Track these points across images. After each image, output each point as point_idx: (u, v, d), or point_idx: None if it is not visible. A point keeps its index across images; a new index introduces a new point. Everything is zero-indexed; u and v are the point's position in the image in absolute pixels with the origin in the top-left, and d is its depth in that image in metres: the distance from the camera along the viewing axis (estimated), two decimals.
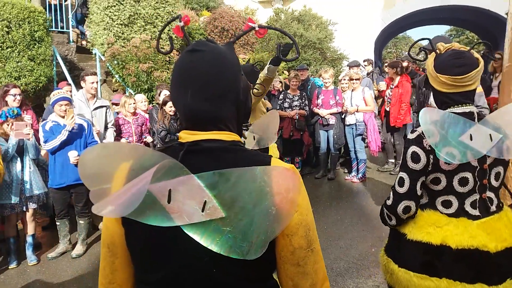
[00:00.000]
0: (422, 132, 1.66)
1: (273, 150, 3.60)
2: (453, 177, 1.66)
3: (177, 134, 3.41)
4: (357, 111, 6.49)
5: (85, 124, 4.34)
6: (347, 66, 8.98)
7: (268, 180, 0.88)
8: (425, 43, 2.25)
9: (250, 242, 0.85)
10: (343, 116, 6.69)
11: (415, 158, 1.68)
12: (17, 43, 6.91)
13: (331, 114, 6.59)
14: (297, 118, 6.61)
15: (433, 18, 17.79)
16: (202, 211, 0.86)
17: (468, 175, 1.66)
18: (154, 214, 0.88)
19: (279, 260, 0.96)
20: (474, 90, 1.70)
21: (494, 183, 1.71)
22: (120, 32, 8.34)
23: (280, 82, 7.43)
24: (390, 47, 38.97)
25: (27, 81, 6.96)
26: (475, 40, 27.32)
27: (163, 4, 8.80)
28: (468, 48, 1.75)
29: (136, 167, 0.92)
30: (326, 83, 6.76)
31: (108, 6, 8.23)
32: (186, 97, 0.97)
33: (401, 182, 1.72)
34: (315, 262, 0.97)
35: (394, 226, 1.82)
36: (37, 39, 7.19)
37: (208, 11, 12.95)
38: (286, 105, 6.75)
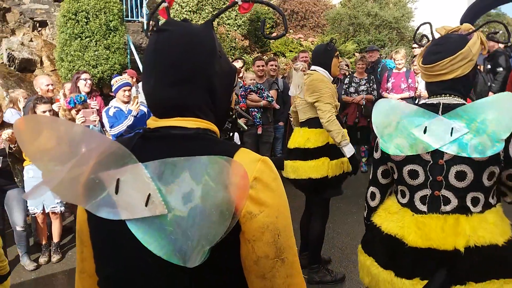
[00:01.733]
0: None
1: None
2: (402, 168, 1.60)
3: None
4: None
5: (146, 111, 4.47)
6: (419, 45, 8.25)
7: (213, 173, 0.74)
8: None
9: (191, 245, 0.72)
10: (416, 102, 6.16)
11: (376, 147, 1.73)
12: (95, 32, 7.34)
13: (402, 98, 6.10)
14: (363, 103, 6.22)
15: None
16: (146, 205, 0.74)
17: (418, 168, 1.57)
18: (102, 204, 0.79)
19: (244, 270, 0.81)
20: (457, 78, 1.56)
21: (455, 182, 1.50)
22: (189, 18, 8.48)
23: (347, 65, 7.04)
24: (483, 27, 35.57)
25: (103, 69, 7.38)
26: None
27: None
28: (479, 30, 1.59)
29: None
30: (398, 64, 6.27)
31: None
32: (149, 83, 0.87)
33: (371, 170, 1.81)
34: (288, 276, 0.81)
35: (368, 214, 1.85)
36: (112, 28, 7.57)
37: None
38: (352, 89, 6.39)
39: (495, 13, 33.74)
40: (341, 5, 11.92)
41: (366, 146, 6.56)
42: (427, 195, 1.56)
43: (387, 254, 1.61)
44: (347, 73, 6.85)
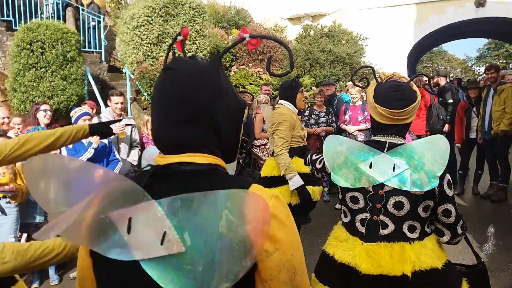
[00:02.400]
0: None
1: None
2: (345, 194, 1.77)
3: None
4: None
5: (106, 142, 4.35)
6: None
7: (233, 207, 0.73)
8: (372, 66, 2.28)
9: (212, 284, 0.70)
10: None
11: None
12: (51, 63, 7.15)
13: (359, 130, 6.36)
14: (323, 135, 6.42)
15: (469, 31, 17.22)
16: (161, 243, 0.73)
17: (359, 195, 1.73)
18: (112, 245, 0.75)
19: None
20: (409, 123, 1.76)
21: (393, 210, 1.67)
22: (149, 51, 8.50)
23: (306, 97, 7.27)
24: (425, 62, 38.05)
25: (59, 100, 7.15)
26: None
27: (191, 23, 8.92)
28: (408, 79, 1.84)
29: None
30: (353, 98, 6.55)
31: (137, 26, 8.41)
32: (155, 119, 0.88)
33: None
34: None
35: None
36: (69, 59, 7.41)
37: (237, 29, 13.08)
38: (312, 121, 6.58)
39: (437, 51, 36.37)
40: (297, 41, 12.41)
41: (327, 176, 6.70)
42: (366, 218, 1.72)
43: (342, 282, 1.71)
44: (306, 106, 7.06)
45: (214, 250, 0.71)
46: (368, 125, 6.39)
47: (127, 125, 5.09)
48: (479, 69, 36.95)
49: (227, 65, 10.89)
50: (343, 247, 1.75)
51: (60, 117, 7.26)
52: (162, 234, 0.73)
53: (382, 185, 1.67)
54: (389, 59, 12.27)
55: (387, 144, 1.71)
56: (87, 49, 9.32)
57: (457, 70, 38.50)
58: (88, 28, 9.68)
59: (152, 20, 8.50)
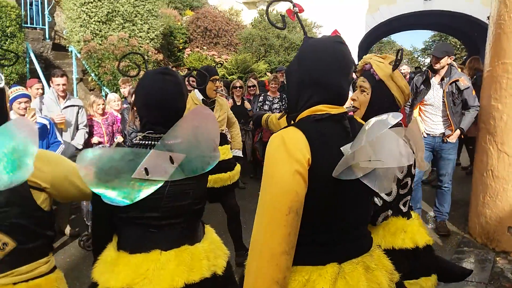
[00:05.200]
0: None
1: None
2: None
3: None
4: None
5: (47, 123, 4.11)
6: None
7: None
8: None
9: None
10: None
11: None
12: None
13: None
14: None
15: (417, 23, 17.94)
16: None
17: None
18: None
19: None
20: None
21: None
22: (97, 29, 8.09)
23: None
24: (375, 51, 39.28)
25: None
26: (458, 46, 27.70)
27: (142, 1, 8.58)
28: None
29: None
30: None
31: (85, 3, 7.95)
32: None
33: None
34: None
35: None
36: (8, 34, 6.91)
37: (191, 10, 12.75)
38: (266, 107, 6.60)
39: (386, 41, 37.57)
40: (252, 26, 12.33)
41: None
42: None
43: None
44: (256, 92, 7.04)
45: None
46: None
47: (73, 106, 4.83)
48: (424, 60, 38.74)
49: (180, 47, 10.62)
50: None
51: None
52: None
53: None
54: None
55: None
56: (29, 25, 8.71)
57: (404, 61, 40.03)
58: (31, 3, 9.03)
59: None
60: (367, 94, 1.74)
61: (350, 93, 1.88)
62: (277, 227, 1.06)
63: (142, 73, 1.67)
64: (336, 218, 1.19)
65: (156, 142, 1.49)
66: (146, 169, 1.41)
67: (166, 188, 1.46)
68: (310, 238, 1.17)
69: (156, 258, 1.44)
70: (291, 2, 1.37)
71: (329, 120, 1.20)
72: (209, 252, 1.57)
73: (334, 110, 1.22)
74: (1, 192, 1.23)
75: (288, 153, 1.11)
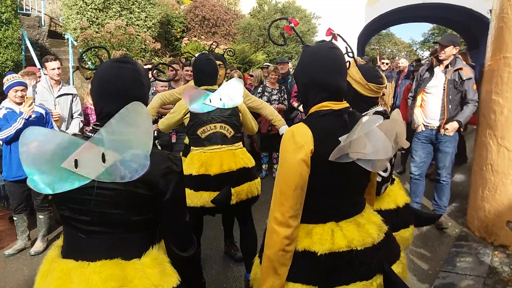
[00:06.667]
0: None
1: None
2: None
3: None
4: None
5: (43, 113, 4.05)
6: None
7: None
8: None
9: None
10: None
11: None
12: None
13: None
14: None
15: (416, 15, 17.82)
16: None
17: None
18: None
19: None
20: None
21: None
22: (94, 17, 7.98)
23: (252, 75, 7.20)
24: (373, 44, 39.11)
25: None
26: None
27: None
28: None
29: None
30: None
31: None
32: None
33: None
34: None
35: None
36: (4, 21, 6.80)
37: None
38: (264, 99, 6.53)
39: (385, 34, 37.42)
40: (251, 15, 12.21)
41: (277, 153, 6.76)
42: None
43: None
44: (257, 84, 6.98)
45: None
46: None
47: (67, 94, 4.76)
48: (422, 53, 38.64)
49: (178, 36, 10.52)
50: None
51: None
52: None
53: None
54: (340, 39, 12.42)
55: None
56: (24, 12, 8.58)
57: (403, 53, 39.96)
58: None
59: None
60: None
61: None
62: (286, 199, 1.46)
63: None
64: (334, 191, 1.55)
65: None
66: (76, 161, 1.30)
67: (93, 189, 1.33)
68: (315, 205, 1.54)
69: (82, 270, 1.33)
70: (287, 19, 1.69)
71: (332, 115, 1.54)
72: (150, 268, 1.38)
73: (337, 105, 1.55)
74: None
75: (296, 145, 1.46)
